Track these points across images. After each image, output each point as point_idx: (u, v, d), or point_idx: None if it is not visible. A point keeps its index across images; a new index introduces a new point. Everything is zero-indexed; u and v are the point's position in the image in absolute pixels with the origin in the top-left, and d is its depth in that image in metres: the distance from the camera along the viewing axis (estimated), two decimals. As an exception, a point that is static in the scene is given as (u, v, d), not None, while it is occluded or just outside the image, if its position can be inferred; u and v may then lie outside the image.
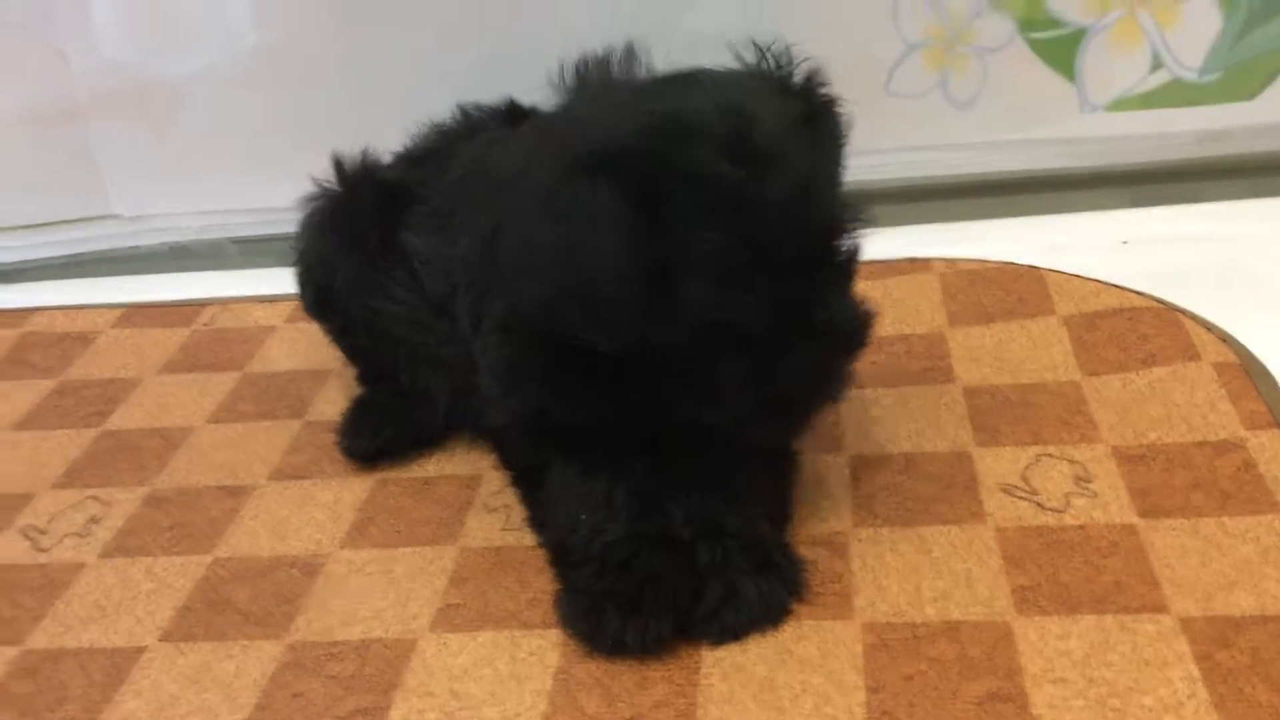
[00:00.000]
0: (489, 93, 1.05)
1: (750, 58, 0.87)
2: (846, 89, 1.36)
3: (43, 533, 1.03)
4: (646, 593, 0.82)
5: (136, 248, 1.52)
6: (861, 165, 1.40)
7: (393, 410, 1.05)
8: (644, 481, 0.87)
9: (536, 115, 0.95)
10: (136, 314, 1.39)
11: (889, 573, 0.86)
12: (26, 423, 1.20)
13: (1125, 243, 1.29)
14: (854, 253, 0.83)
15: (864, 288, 1.21)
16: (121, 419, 1.19)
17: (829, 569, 0.87)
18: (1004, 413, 1.02)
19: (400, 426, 1.04)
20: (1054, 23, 1.34)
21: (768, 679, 0.79)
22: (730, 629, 0.82)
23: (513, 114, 1.02)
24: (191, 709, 0.82)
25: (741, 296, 0.75)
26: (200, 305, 1.39)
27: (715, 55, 0.88)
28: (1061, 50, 1.35)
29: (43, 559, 1.00)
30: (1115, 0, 1.33)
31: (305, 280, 1.08)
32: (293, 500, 1.03)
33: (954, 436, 1.00)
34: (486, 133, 0.99)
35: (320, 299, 1.08)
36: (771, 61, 0.86)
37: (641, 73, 0.87)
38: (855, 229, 0.82)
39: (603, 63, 0.88)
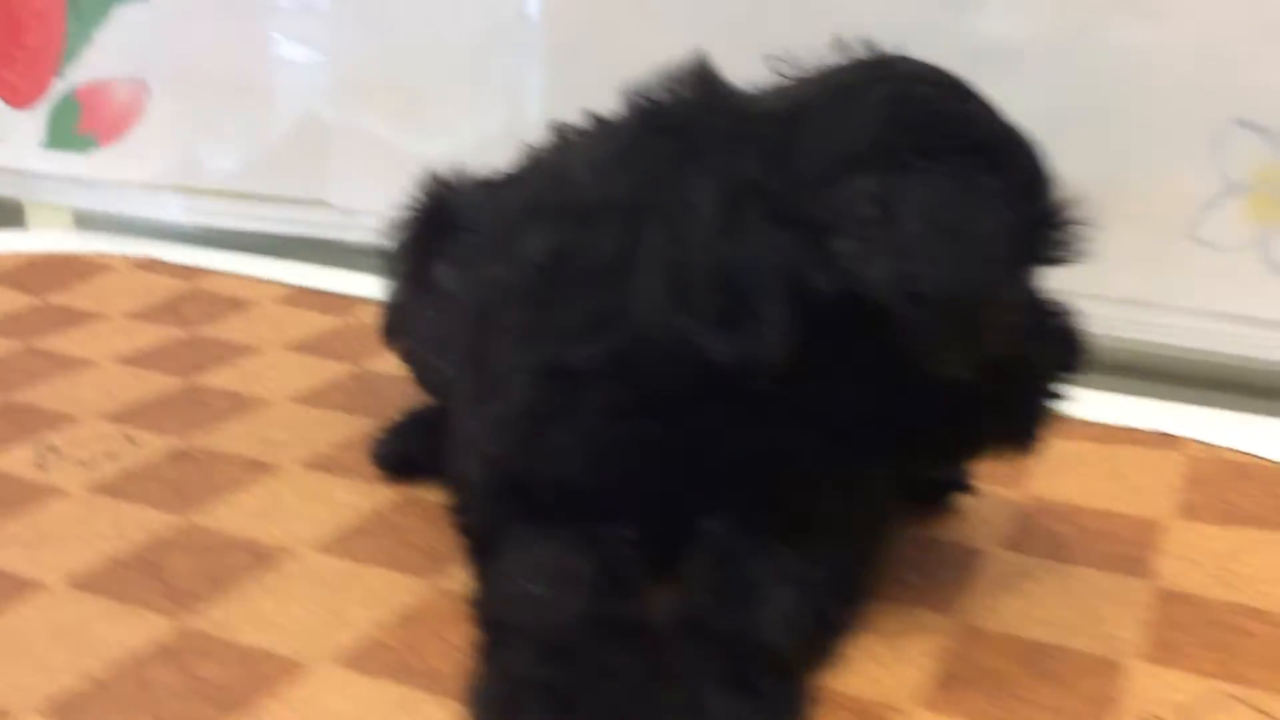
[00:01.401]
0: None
1: None
2: (1141, 222, 1.13)
3: (56, 453, 0.93)
4: (588, 694, 0.60)
5: (341, 240, 1.45)
6: (1138, 321, 1.16)
7: (433, 428, 0.88)
8: (616, 553, 0.66)
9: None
10: (303, 296, 1.32)
11: (934, 777, 0.60)
12: (133, 359, 1.14)
13: None
14: None
15: (1082, 450, 0.96)
16: (213, 377, 1.09)
17: (852, 746, 0.62)
18: (1200, 631, 0.73)
19: (436, 445, 0.86)
20: None
21: None
22: None
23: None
24: (34, 661, 0.68)
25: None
26: (365, 301, 1.29)
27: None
28: None
29: (34, 476, 0.90)
30: None
31: (384, 302, 0.96)
32: (306, 489, 0.88)
33: (1113, 640, 0.72)
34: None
35: (389, 322, 0.95)
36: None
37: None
38: None
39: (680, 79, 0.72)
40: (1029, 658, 0.70)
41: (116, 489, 0.88)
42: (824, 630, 0.68)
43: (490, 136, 1.33)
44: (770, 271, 0.64)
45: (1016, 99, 1.13)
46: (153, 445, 0.95)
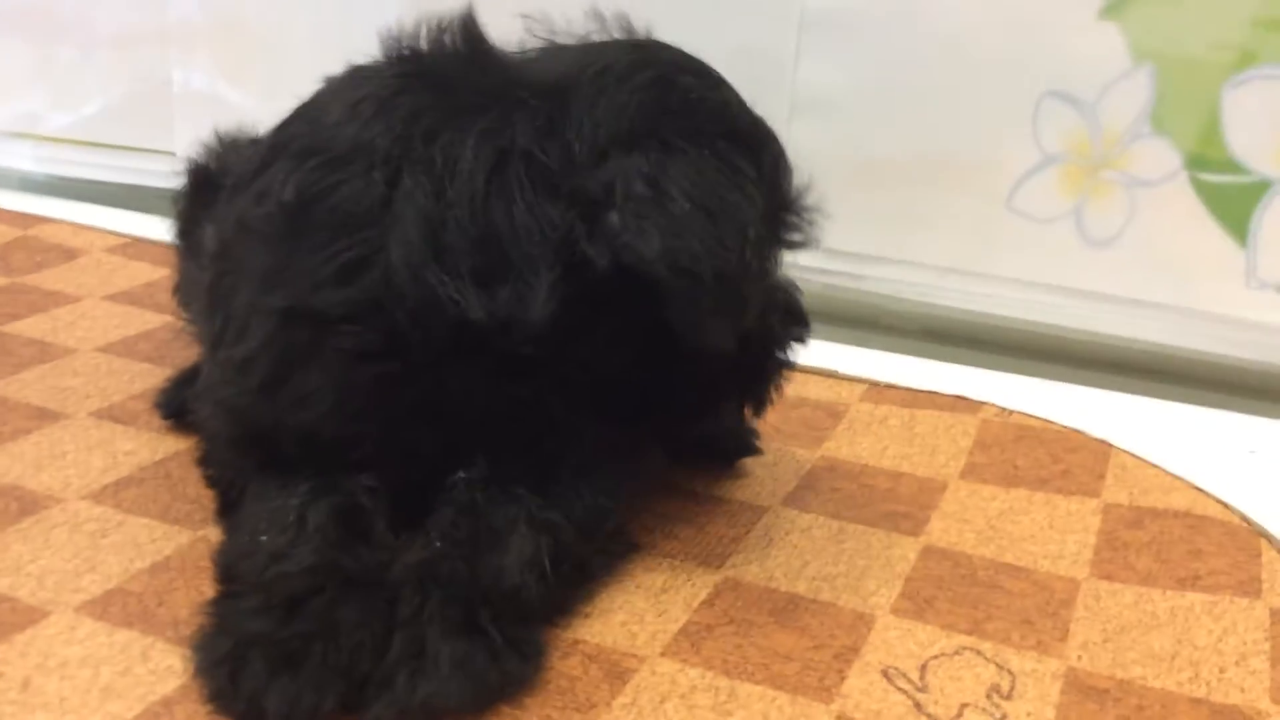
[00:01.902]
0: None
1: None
2: (961, 192, 1.15)
3: None
4: (315, 647, 0.59)
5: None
6: (957, 289, 1.18)
7: None
8: (354, 502, 0.66)
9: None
10: (135, 246, 1.29)
11: (659, 724, 0.61)
12: (-58, 306, 1.11)
13: (1253, 452, 0.97)
14: None
15: (884, 412, 0.98)
16: (25, 325, 1.07)
17: (584, 693, 0.63)
18: (956, 589, 0.74)
19: None
20: (1232, 165, 1.05)
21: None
22: (406, 707, 0.59)
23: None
24: None
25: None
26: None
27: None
28: (1235, 203, 1.06)
29: None
30: (1321, 155, 1.03)
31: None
32: (89, 438, 0.87)
33: (869, 596, 0.73)
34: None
35: (176, 289, 0.96)
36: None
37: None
38: None
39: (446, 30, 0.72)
40: (783, 610, 0.71)
41: (-107, 436, 0.86)
42: (570, 575, 0.68)
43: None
44: (538, 240, 0.65)
45: (845, 72, 1.16)
46: (-59, 391, 0.93)
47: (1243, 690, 0.66)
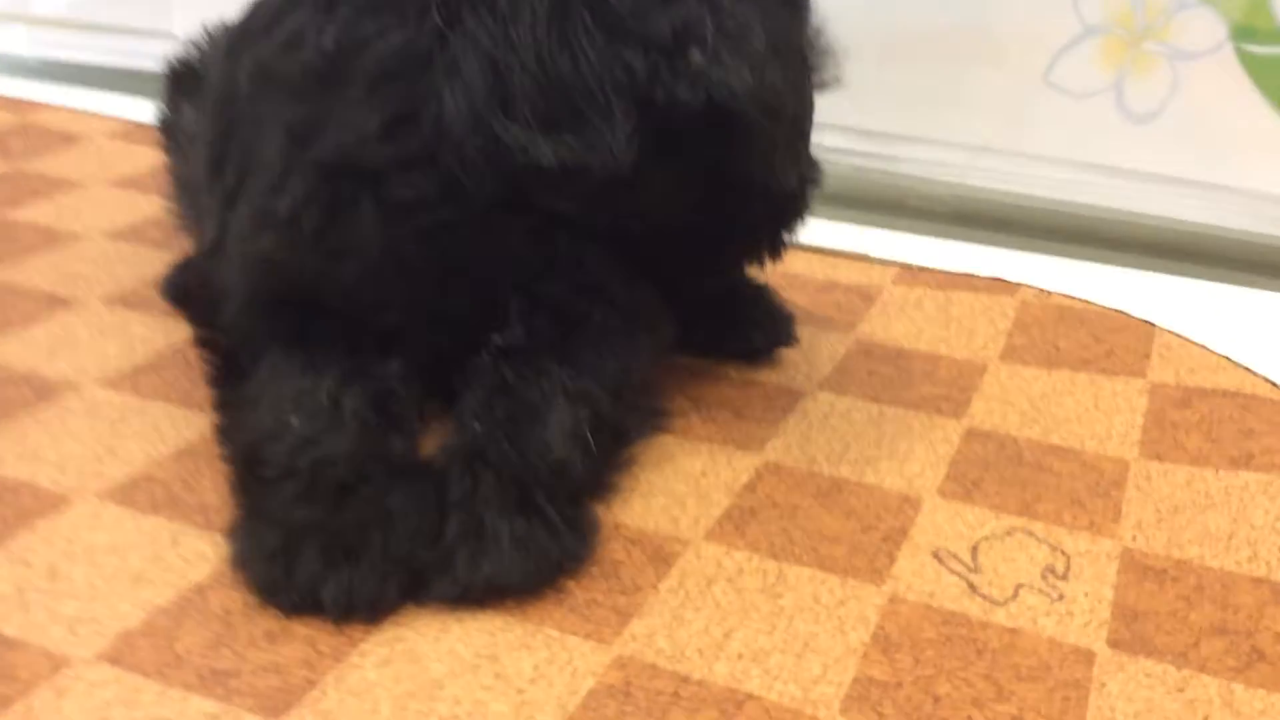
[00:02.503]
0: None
1: None
2: (995, 67, 1.10)
3: None
4: (373, 536, 0.57)
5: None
6: (991, 168, 1.14)
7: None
8: (388, 388, 0.64)
9: None
10: (137, 131, 1.25)
11: (705, 605, 0.59)
12: (-59, 192, 1.07)
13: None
14: None
15: (918, 295, 0.95)
16: (28, 211, 1.04)
17: (629, 576, 0.61)
18: (1002, 470, 0.72)
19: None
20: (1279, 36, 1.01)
21: (435, 683, 0.53)
22: (469, 586, 0.57)
23: None
24: None
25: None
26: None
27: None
28: (1282, 75, 1.02)
29: None
30: (1373, 24, 0.99)
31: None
32: (102, 324, 0.84)
33: (915, 477, 0.71)
34: None
35: (166, 187, 0.92)
36: None
37: None
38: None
39: None
40: (826, 493, 0.69)
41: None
42: (609, 445, 0.66)
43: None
44: (612, 83, 0.61)
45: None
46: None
47: (1304, 570, 0.64)
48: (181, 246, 0.95)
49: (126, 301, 0.88)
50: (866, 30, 1.10)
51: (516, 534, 0.58)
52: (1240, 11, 1.01)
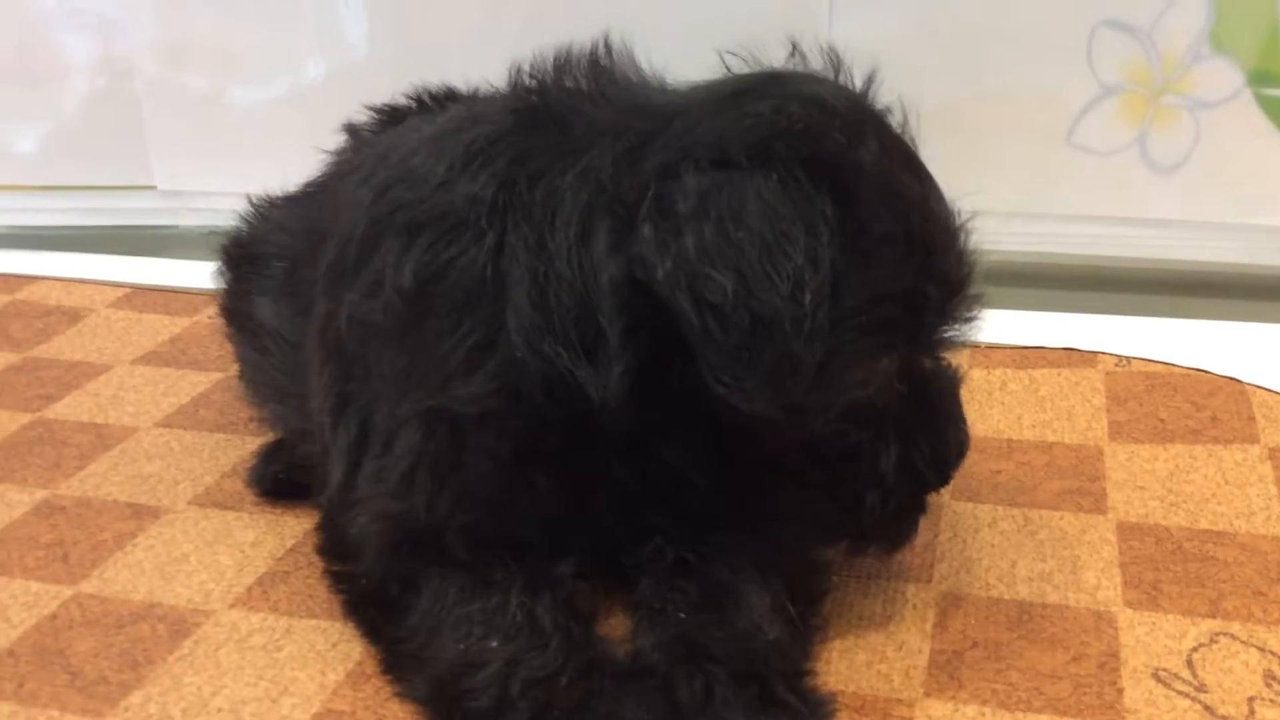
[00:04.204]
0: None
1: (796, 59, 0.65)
2: (1018, 134, 1.11)
3: (-100, 528, 0.82)
4: None
5: (173, 226, 1.33)
6: (1025, 233, 1.15)
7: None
8: (573, 588, 0.61)
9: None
10: (140, 296, 1.20)
11: (963, 775, 0.57)
12: (-37, 397, 1.01)
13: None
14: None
15: (1001, 376, 0.95)
16: (65, 408, 0.98)
17: (873, 752, 0.59)
18: (1171, 566, 0.72)
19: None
20: (1297, 78, 1.04)
21: None
22: None
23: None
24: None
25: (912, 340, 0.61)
26: (212, 295, 1.18)
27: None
28: (1303, 115, 1.05)
29: (-121, 561, 0.78)
30: (1385, 57, 1.02)
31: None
32: (204, 534, 0.79)
33: (1095, 589, 0.70)
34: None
35: (241, 376, 0.87)
36: (827, 63, 0.65)
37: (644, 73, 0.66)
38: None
39: (579, 63, 0.65)
40: (1018, 622, 0.68)
41: (-15, 562, 0.78)
42: (806, 606, 0.64)
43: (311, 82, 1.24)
44: (610, 282, 0.57)
45: (882, 23, 1.11)
46: (15, 503, 0.84)
47: None
48: (246, 426, 0.91)
49: (216, 501, 0.83)
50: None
51: None
52: (1255, 58, 1.04)
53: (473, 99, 0.76)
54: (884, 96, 1.13)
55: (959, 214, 0.63)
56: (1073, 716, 0.61)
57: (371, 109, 0.83)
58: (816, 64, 0.65)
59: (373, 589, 0.65)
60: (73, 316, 1.16)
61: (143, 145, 1.32)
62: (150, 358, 1.07)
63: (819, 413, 0.58)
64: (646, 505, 0.63)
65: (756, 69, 0.65)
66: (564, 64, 0.66)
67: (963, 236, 0.62)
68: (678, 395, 0.57)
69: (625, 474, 0.61)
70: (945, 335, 0.63)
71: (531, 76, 0.67)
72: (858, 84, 0.65)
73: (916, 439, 0.63)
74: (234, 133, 1.30)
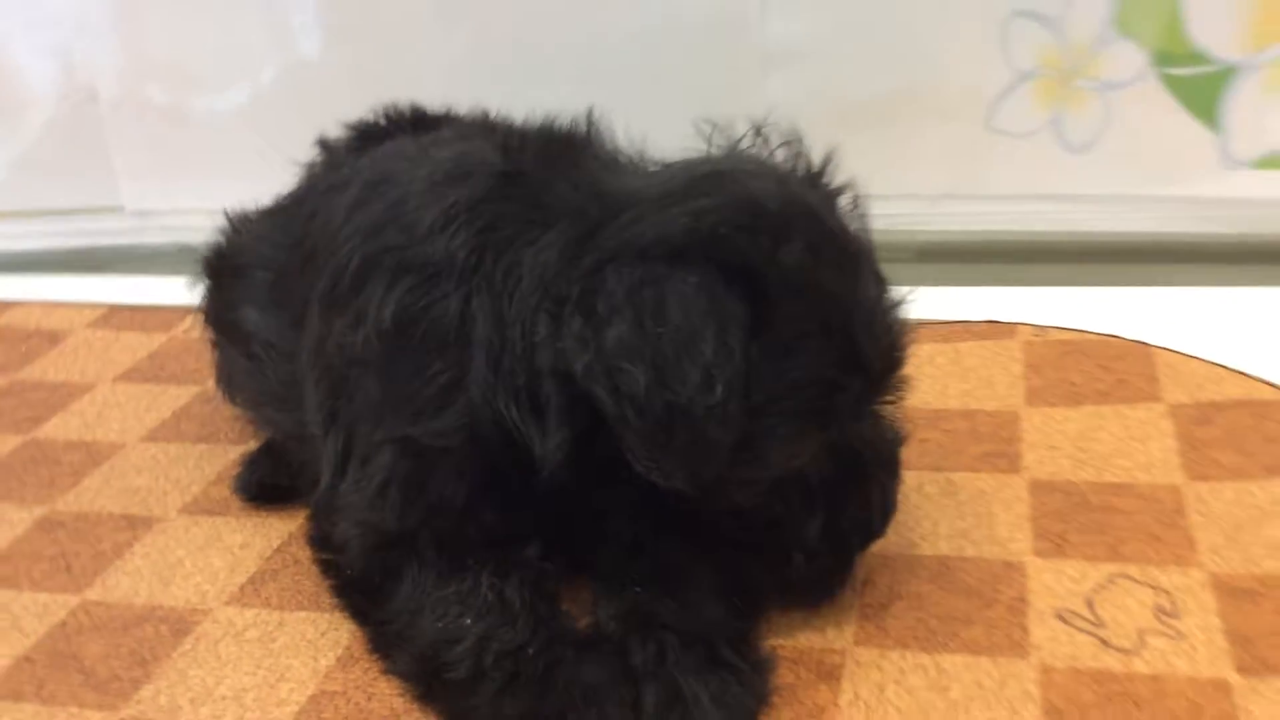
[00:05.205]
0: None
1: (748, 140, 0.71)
2: (941, 121, 1.19)
3: (-89, 551, 0.88)
4: (587, 715, 0.62)
5: (143, 245, 1.39)
6: (951, 213, 1.22)
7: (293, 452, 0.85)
8: (539, 569, 0.68)
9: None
10: (116, 315, 1.26)
11: (889, 713, 0.65)
12: (-44, 422, 1.07)
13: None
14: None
15: (929, 351, 1.02)
16: (54, 428, 1.04)
17: (809, 699, 0.66)
18: (1077, 517, 0.80)
19: (296, 469, 0.84)
20: (1196, 57, 1.11)
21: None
22: None
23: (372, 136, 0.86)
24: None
25: (830, 424, 0.65)
26: (186, 311, 1.24)
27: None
28: (1203, 91, 1.12)
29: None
30: (1275, 33, 1.09)
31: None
32: (195, 540, 0.86)
33: (1008, 541, 0.78)
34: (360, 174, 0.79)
35: (219, 378, 0.93)
36: (783, 149, 0.71)
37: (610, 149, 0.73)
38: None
39: (559, 136, 0.73)
40: (938, 574, 0.75)
41: (-3, 578, 0.84)
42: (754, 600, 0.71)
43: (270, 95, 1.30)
44: (548, 364, 0.64)
45: (811, 21, 1.18)
46: (15, 521, 0.90)
47: (1371, 563, 0.72)
48: (227, 435, 0.98)
49: (205, 508, 0.90)
50: (817, 105, 1.17)
51: (713, 692, 0.63)
52: (1158, 40, 1.11)
53: (457, 123, 0.83)
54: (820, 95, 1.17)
55: (890, 301, 0.67)
56: (985, 654, 0.68)
57: (347, 125, 0.89)
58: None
59: (358, 578, 0.72)
60: (53, 339, 1.22)
61: (109, 167, 1.37)
62: (131, 375, 1.13)
63: (744, 486, 0.64)
64: (590, 541, 0.71)
65: (718, 150, 0.70)
66: (547, 133, 0.73)
67: (892, 324, 0.66)
68: (612, 461, 0.63)
69: (570, 514, 0.69)
70: (874, 407, 0.68)
71: (522, 137, 0.74)
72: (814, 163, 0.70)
73: (845, 505, 0.68)
74: (198, 150, 1.36)
